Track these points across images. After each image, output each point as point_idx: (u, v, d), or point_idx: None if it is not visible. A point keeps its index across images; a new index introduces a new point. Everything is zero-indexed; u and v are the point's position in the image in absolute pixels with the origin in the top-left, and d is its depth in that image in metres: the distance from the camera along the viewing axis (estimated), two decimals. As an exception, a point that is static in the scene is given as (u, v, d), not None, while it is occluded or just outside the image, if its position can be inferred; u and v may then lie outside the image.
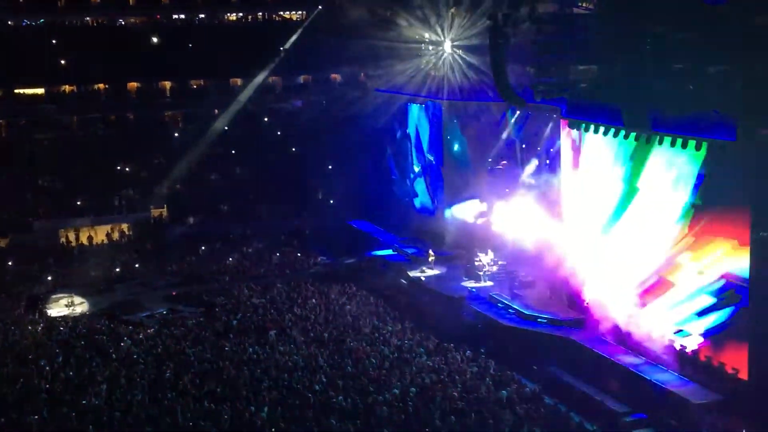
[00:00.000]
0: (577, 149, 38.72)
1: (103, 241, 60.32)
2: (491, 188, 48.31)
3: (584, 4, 40.49)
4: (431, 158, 55.10)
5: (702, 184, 31.31)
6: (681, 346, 32.38)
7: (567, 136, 39.41)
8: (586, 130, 37.05)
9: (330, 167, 66.65)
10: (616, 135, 34.81)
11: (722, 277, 30.73)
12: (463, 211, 50.49)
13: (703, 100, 30.62)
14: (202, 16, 76.53)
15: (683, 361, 32.19)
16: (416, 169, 57.33)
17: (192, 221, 62.68)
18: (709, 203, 31.11)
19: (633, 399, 31.61)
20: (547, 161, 44.87)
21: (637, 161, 34.57)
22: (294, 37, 68.62)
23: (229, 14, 77.17)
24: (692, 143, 31.03)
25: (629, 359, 33.31)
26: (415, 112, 56.16)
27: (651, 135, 32.99)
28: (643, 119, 32.97)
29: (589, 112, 36.83)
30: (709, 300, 31.29)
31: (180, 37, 70.19)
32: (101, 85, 71.12)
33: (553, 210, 41.95)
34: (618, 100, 34.35)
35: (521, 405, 30.78)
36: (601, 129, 35.66)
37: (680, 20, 31.90)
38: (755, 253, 29.46)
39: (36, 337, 40.39)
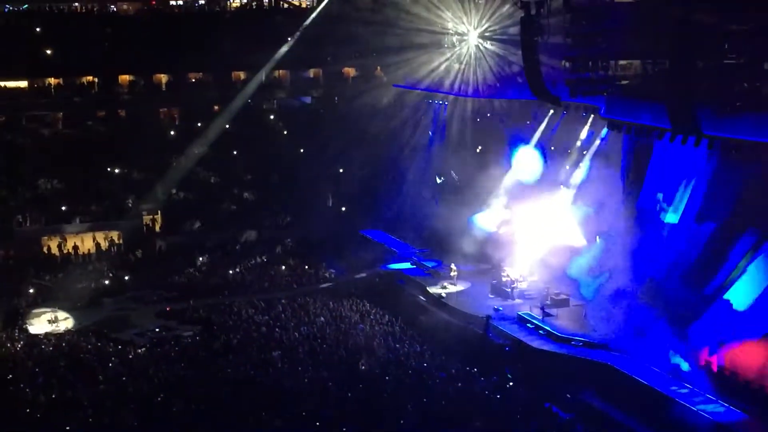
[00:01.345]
0: (618, 151, 38.66)
1: (90, 250, 60.34)
2: (518, 194, 48.33)
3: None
4: (454, 160, 55.04)
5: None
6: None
7: (606, 137, 39.35)
8: (628, 131, 36.92)
9: (341, 170, 66.66)
10: (660, 137, 34.66)
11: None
12: (486, 220, 50.44)
13: (759, 99, 30.49)
14: (202, 2, 76.86)
15: (732, 388, 32.12)
16: (438, 174, 57.27)
17: (188, 229, 62.67)
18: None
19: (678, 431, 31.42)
20: (581, 165, 44.82)
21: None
22: (303, 27, 68.64)
23: (231, 0, 77.39)
24: (747, 147, 30.88)
25: (673, 387, 33.08)
26: (437, 110, 56.15)
27: (700, 137, 32.83)
28: (690, 120, 32.80)
29: (631, 112, 36.75)
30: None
31: (177, 25, 70.35)
32: (90, 78, 71.27)
33: (589, 219, 42.02)
34: (663, 98, 34.21)
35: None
36: (644, 130, 35.51)
37: (732, 9, 31.76)
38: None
39: (15, 355, 40.48)
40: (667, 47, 34.28)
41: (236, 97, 68.96)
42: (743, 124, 31.10)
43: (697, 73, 32.71)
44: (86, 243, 60.34)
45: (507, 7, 48.59)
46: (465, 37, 52.51)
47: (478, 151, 53.05)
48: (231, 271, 55.00)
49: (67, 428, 31.94)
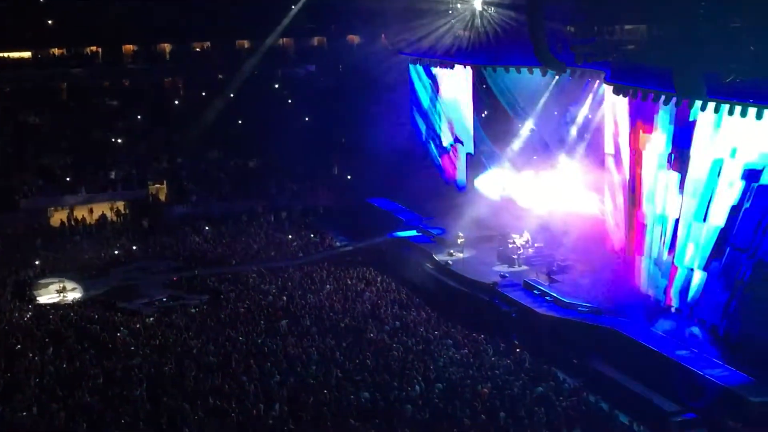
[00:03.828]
0: (622, 116, 38.54)
1: (96, 220, 60.54)
2: (522, 159, 48.32)
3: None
4: (460, 127, 54.93)
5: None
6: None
7: (611, 103, 39.21)
8: (633, 96, 36.82)
9: (346, 139, 66.54)
10: (666, 102, 34.62)
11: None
12: (488, 184, 50.40)
13: (766, 63, 30.35)
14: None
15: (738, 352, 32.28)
16: (445, 140, 57.15)
17: (194, 199, 62.76)
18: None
19: (685, 396, 31.52)
20: (587, 135, 44.73)
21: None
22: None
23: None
24: (752, 111, 30.79)
25: (680, 352, 33.18)
26: (443, 76, 55.91)
27: (706, 102, 32.75)
28: (696, 84, 32.70)
29: (637, 77, 36.60)
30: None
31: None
32: (93, 48, 71.15)
33: (594, 183, 42.03)
34: (669, 63, 34.07)
35: (559, 403, 30.78)
36: (650, 95, 35.42)
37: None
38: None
39: (23, 326, 40.68)
40: (673, 11, 34.17)
41: (241, 65, 68.79)
42: (748, 87, 31.00)
43: (702, 37, 32.57)
44: (92, 214, 60.57)
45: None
46: (469, 3, 52.20)
47: (483, 115, 52.87)
48: (237, 240, 55.10)
49: (76, 398, 32.07)
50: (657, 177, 36.59)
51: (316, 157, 64.99)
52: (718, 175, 33.61)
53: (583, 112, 44.65)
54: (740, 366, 31.48)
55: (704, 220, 34.57)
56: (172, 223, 59.07)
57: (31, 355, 36.46)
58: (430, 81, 57.30)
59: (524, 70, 46.19)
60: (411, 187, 58.17)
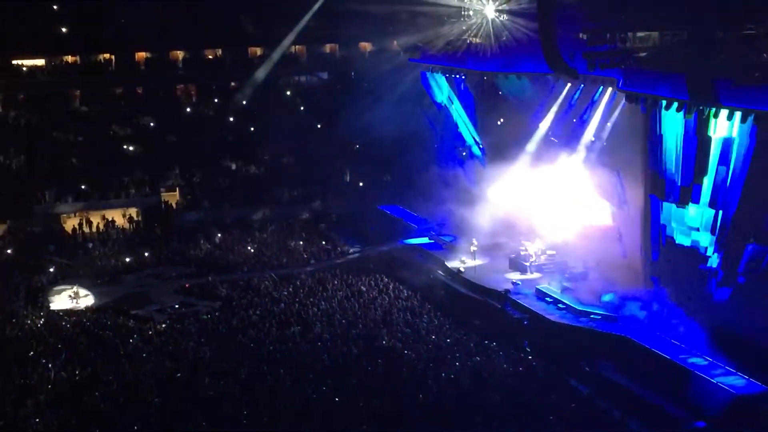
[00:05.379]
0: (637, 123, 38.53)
1: (109, 227, 60.63)
2: (536, 166, 48.27)
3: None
4: (471, 134, 54.91)
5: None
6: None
7: (626, 110, 39.17)
8: (646, 103, 36.77)
9: (358, 146, 66.54)
10: (679, 109, 34.52)
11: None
12: (501, 192, 50.37)
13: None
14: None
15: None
16: (456, 147, 57.12)
17: (206, 205, 62.79)
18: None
19: (697, 404, 31.39)
20: (603, 142, 44.65)
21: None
22: (319, 2, 68.39)
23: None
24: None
25: (693, 360, 33.07)
26: (455, 84, 55.92)
27: (719, 108, 32.67)
28: (709, 91, 32.64)
29: (650, 84, 36.55)
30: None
31: (193, 1, 70.20)
32: (107, 56, 71.37)
33: (609, 191, 41.95)
34: (681, 70, 34.02)
35: (571, 410, 30.70)
36: (663, 102, 35.38)
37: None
38: None
39: (36, 332, 40.78)
40: (687, 17, 34.15)
41: (253, 73, 68.93)
42: (762, 95, 30.91)
43: (715, 44, 32.54)
44: (105, 220, 60.64)
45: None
46: (482, 10, 52.21)
47: (499, 123, 52.82)
48: (249, 247, 55.12)
49: (88, 404, 32.12)
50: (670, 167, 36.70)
51: (328, 163, 65.00)
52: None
53: (596, 118, 44.58)
54: (753, 373, 31.42)
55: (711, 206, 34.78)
56: (184, 230, 59.10)
57: (43, 361, 36.55)
58: (441, 88, 57.26)
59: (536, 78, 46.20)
60: (423, 194, 58.13)
